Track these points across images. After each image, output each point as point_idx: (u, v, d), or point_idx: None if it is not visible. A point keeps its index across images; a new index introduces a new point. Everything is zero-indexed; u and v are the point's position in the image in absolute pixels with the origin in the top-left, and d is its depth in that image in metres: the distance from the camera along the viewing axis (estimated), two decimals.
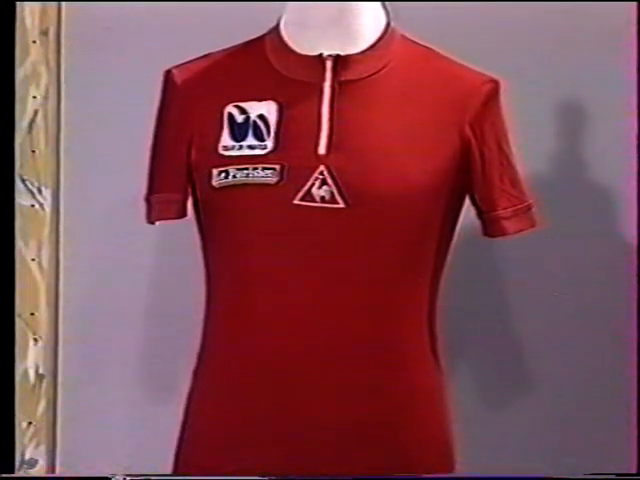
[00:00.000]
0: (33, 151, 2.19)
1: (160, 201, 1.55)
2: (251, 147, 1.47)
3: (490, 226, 1.54)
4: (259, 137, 1.47)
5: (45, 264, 2.21)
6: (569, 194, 2.23)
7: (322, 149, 1.45)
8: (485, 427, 2.16)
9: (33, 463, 2.22)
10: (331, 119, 1.45)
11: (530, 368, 2.27)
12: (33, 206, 2.20)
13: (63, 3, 2.21)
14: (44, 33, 2.19)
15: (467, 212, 1.55)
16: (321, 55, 1.47)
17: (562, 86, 2.21)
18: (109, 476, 1.55)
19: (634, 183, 2.22)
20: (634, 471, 2.05)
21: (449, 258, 1.54)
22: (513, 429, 2.24)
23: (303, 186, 1.44)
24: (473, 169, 1.51)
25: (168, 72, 1.54)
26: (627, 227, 2.24)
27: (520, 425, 2.25)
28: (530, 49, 2.19)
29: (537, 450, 2.21)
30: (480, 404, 2.24)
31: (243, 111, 1.49)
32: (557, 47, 2.20)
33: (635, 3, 2.20)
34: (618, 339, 2.23)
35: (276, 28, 1.52)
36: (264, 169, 1.45)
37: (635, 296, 2.23)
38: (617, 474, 1.62)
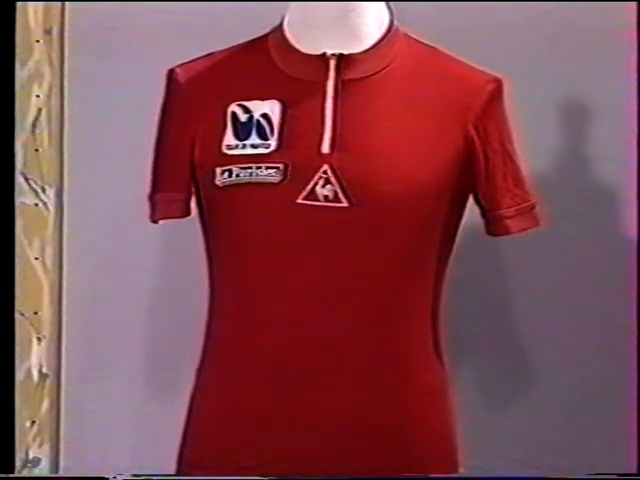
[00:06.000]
0: (36, 150, 2.19)
1: (164, 200, 1.55)
2: (254, 146, 1.47)
3: (493, 225, 1.54)
4: (262, 136, 1.47)
5: (49, 263, 2.21)
6: (571, 193, 2.23)
7: (325, 148, 1.45)
8: (486, 427, 2.16)
9: (36, 462, 2.22)
10: (334, 118, 1.45)
11: (531, 368, 2.27)
12: (37, 205, 2.20)
13: (67, 2, 2.21)
14: (47, 32, 2.19)
15: (470, 211, 1.55)
16: (324, 54, 1.47)
17: (564, 86, 2.21)
18: (111, 476, 1.54)
19: (635, 182, 2.22)
20: (634, 471, 2.05)
21: (452, 257, 1.55)
22: (513, 429, 2.24)
23: (307, 185, 1.44)
24: (476, 168, 1.51)
25: (171, 71, 1.54)
26: (628, 226, 2.24)
27: (520, 425, 2.25)
28: (532, 49, 2.19)
29: (537, 450, 2.21)
30: (481, 404, 2.24)
31: (246, 110, 1.48)
32: (559, 47, 2.20)
33: (635, 3, 2.20)
34: (618, 339, 2.24)
35: (279, 27, 1.52)
36: (267, 168, 1.45)
37: (635, 295, 2.23)
38: (617, 474, 1.62)
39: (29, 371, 2.21)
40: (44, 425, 2.22)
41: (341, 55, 1.47)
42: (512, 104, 1.55)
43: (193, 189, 1.54)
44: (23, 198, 2.18)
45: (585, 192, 2.25)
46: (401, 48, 1.51)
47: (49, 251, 2.21)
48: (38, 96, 2.19)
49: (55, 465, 2.24)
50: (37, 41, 2.18)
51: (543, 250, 2.16)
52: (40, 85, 2.19)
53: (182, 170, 1.52)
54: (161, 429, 1.78)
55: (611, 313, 2.24)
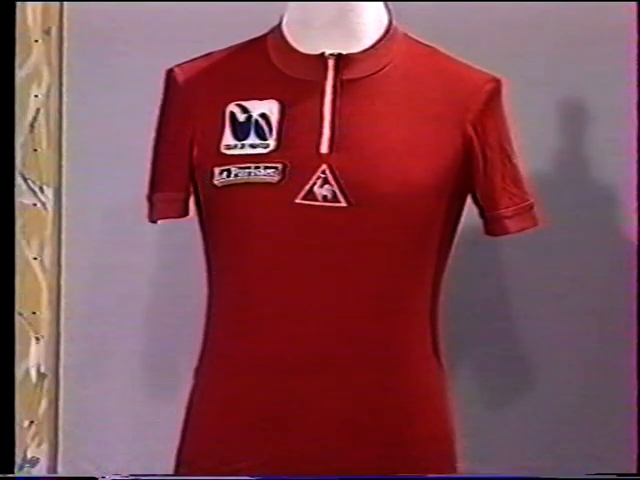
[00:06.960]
0: (35, 150, 2.20)
1: (162, 200, 1.55)
2: (253, 146, 1.47)
3: (492, 225, 1.54)
4: (261, 136, 1.47)
5: (47, 263, 2.21)
6: (571, 193, 2.24)
7: (324, 148, 1.45)
8: (486, 427, 2.16)
9: (35, 462, 2.22)
10: (333, 118, 1.45)
11: (531, 368, 2.27)
12: (35, 205, 2.20)
13: (65, 2, 2.21)
14: (46, 32, 2.19)
15: (469, 211, 1.55)
16: (323, 54, 1.47)
17: (563, 85, 2.22)
18: (111, 477, 1.55)
19: (635, 182, 2.22)
20: (634, 471, 2.05)
21: (452, 257, 1.55)
22: (513, 429, 2.24)
23: (305, 185, 1.44)
24: (475, 168, 1.50)
25: (170, 71, 1.54)
26: (628, 226, 2.24)
27: (520, 425, 2.25)
28: (531, 49, 2.19)
29: (537, 450, 2.21)
30: (481, 404, 2.25)
31: (245, 110, 1.48)
32: (558, 47, 2.20)
33: (635, 3, 2.20)
34: (618, 339, 2.24)
35: (278, 27, 1.52)
36: (266, 168, 1.45)
37: (635, 295, 2.23)
38: (617, 474, 1.62)
39: (27, 371, 2.21)
40: (42, 425, 2.22)
41: (340, 55, 1.47)
42: (511, 104, 1.55)
43: (192, 189, 1.54)
44: (22, 198, 2.19)
45: (585, 192, 2.26)
46: (400, 48, 1.51)
47: (47, 251, 2.21)
48: (37, 96, 2.19)
49: (53, 465, 2.24)
50: (36, 41, 2.18)
51: (542, 250, 2.16)
52: (39, 85, 2.19)
53: (181, 170, 1.52)
54: (159, 429, 1.79)
55: (611, 313, 2.24)
